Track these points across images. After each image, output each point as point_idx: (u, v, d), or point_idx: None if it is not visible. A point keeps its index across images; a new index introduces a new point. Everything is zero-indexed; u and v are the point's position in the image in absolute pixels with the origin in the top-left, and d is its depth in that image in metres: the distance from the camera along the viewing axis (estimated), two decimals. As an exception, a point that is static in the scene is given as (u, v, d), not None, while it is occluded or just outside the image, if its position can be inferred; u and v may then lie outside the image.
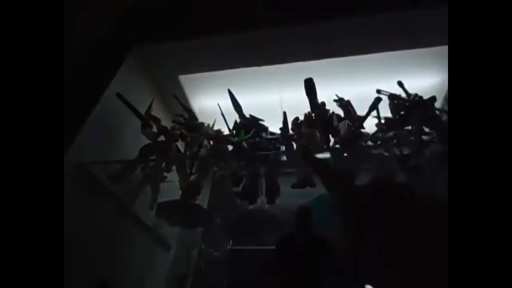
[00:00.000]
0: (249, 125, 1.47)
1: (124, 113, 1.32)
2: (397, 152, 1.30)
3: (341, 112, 1.39)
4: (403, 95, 1.34)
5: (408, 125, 1.20)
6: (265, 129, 1.52)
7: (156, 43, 1.52)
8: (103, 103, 1.31)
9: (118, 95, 1.28)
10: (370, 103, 1.26)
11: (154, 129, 1.40)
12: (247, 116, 1.55)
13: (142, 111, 1.38)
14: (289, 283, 0.73)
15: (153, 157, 1.36)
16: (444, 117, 1.35)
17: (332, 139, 1.33)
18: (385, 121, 1.31)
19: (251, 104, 1.64)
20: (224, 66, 1.70)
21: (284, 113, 1.41)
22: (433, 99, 1.18)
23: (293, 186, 1.16)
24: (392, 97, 1.22)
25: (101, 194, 1.27)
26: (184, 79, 1.81)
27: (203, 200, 1.89)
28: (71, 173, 1.13)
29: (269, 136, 1.39)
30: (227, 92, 1.55)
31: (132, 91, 1.50)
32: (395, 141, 1.30)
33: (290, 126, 1.35)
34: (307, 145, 1.11)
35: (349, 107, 1.38)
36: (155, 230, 1.52)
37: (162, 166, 1.40)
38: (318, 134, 1.16)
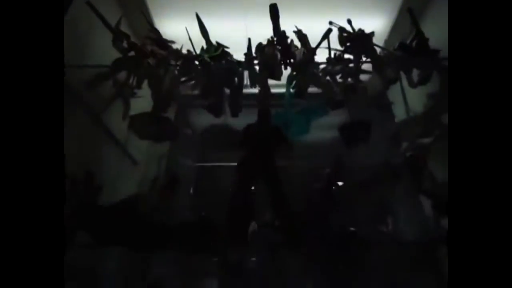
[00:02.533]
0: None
1: (94, 24, 1.34)
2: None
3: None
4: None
5: (351, 54, 1.44)
6: (230, 56, 1.66)
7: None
8: (71, 11, 1.30)
9: (88, 3, 1.29)
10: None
11: (125, 45, 1.45)
12: (213, 42, 1.66)
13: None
14: (250, 158, 0.96)
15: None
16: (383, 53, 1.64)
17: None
18: (334, 55, 1.55)
19: (217, 31, 1.73)
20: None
21: (249, 39, 1.55)
22: (372, 33, 1.43)
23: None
24: (341, 29, 1.44)
25: (73, 100, 1.33)
26: (149, 0, 1.80)
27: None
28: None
29: (234, 59, 1.53)
30: (193, 17, 1.62)
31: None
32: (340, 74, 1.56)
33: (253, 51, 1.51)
34: (268, 62, 1.30)
35: (306, 38, 1.58)
36: (126, 142, 1.65)
37: (133, 81, 1.49)
38: (278, 54, 1.35)
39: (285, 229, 1.00)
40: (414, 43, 1.48)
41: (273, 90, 1.56)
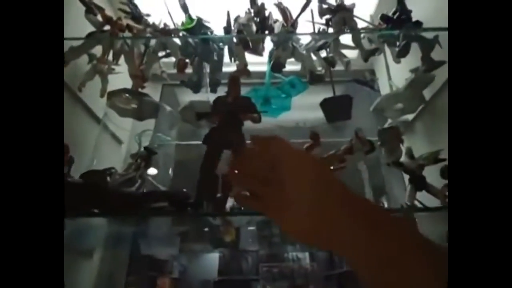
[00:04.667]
0: (195, 25, 1.55)
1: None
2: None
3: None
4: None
5: (331, 27, 1.41)
6: (210, 31, 1.62)
7: None
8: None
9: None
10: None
11: (99, 18, 1.41)
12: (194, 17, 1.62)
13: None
14: (218, 130, 0.96)
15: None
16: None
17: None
18: (318, 31, 1.51)
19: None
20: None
21: (228, 12, 1.51)
22: (352, 5, 1.39)
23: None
24: (320, 0, 1.40)
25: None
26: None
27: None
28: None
29: (215, 34, 1.50)
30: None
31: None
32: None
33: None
34: (244, 35, 1.27)
35: (287, 12, 1.54)
36: (105, 120, 1.64)
37: (108, 57, 1.46)
38: (254, 26, 1.32)
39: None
40: (396, 15, 1.44)
41: (256, 68, 1.54)
